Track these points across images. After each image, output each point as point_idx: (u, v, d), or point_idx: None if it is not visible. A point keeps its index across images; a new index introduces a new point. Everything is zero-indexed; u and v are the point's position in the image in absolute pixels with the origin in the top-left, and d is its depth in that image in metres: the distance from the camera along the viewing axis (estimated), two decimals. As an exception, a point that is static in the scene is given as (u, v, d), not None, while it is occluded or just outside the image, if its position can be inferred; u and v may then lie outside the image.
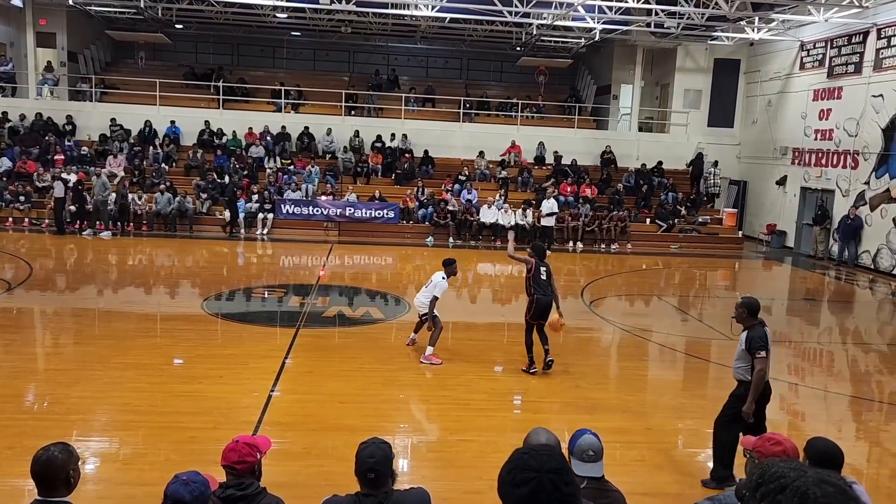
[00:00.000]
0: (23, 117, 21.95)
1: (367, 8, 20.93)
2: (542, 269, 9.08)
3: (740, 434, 5.40)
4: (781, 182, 22.01)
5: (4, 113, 21.89)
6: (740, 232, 22.39)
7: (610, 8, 19.52)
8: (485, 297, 14.71)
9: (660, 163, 23.33)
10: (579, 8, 19.20)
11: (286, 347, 9.36)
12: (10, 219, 18.60)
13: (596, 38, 23.13)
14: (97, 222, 18.38)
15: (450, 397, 7.84)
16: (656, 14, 19.88)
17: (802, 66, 21.30)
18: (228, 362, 8.66)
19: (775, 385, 9.35)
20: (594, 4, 19.31)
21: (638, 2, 18.63)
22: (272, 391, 7.68)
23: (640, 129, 25.25)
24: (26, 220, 18.68)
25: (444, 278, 9.25)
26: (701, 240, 21.12)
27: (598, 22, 21.06)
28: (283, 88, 24.31)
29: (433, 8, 20.13)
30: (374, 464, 3.12)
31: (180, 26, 26.48)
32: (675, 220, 21.28)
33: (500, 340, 10.94)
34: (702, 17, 19.75)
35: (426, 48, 29.76)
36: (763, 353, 5.92)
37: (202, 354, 9.06)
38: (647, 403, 8.42)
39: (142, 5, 21.89)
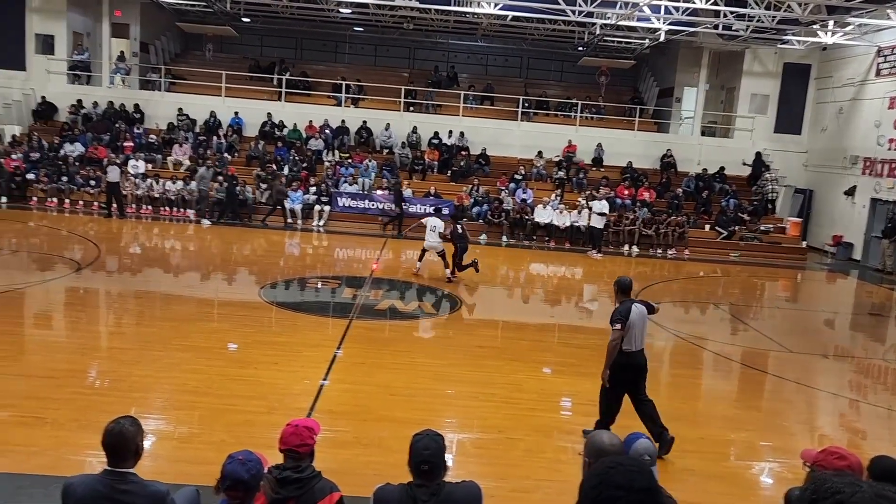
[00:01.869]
0: (96, 105, 22.78)
1: (429, 4, 21.02)
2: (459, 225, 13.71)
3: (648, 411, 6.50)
4: (850, 192, 21.23)
5: (79, 100, 22.76)
6: (804, 242, 21.71)
7: (676, 9, 19.16)
8: (536, 297, 14.63)
9: (722, 168, 22.81)
10: (645, 8, 18.91)
11: (339, 338, 9.49)
12: (81, 202, 19.37)
13: (661, 39, 22.73)
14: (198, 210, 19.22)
15: (499, 395, 7.83)
16: (725, 16, 19.42)
17: (878, 73, 20.51)
18: (283, 349, 8.84)
19: (834, 400, 9.10)
20: (660, 5, 18.98)
21: (706, 3, 18.23)
22: (324, 380, 7.81)
23: (703, 134, 24.72)
24: (95, 203, 19.38)
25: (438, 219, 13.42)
26: (762, 249, 20.55)
27: (663, 23, 20.69)
28: (343, 83, 24.63)
29: (495, 6, 20.09)
30: (429, 456, 3.15)
31: (247, 20, 27.07)
32: (736, 228, 20.77)
33: (552, 341, 10.87)
34: (772, 20, 19.19)
35: (486, 46, 29.74)
36: (618, 326, 6.44)
37: (258, 340, 9.27)
38: (700, 412, 8.26)
39: (212, -2, 22.47)
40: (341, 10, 23.89)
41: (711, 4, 18.35)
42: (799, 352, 11.04)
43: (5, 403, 6.52)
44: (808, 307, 16.28)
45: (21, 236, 15.98)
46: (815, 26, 20.52)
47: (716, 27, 20.51)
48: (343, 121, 23.20)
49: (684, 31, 21.79)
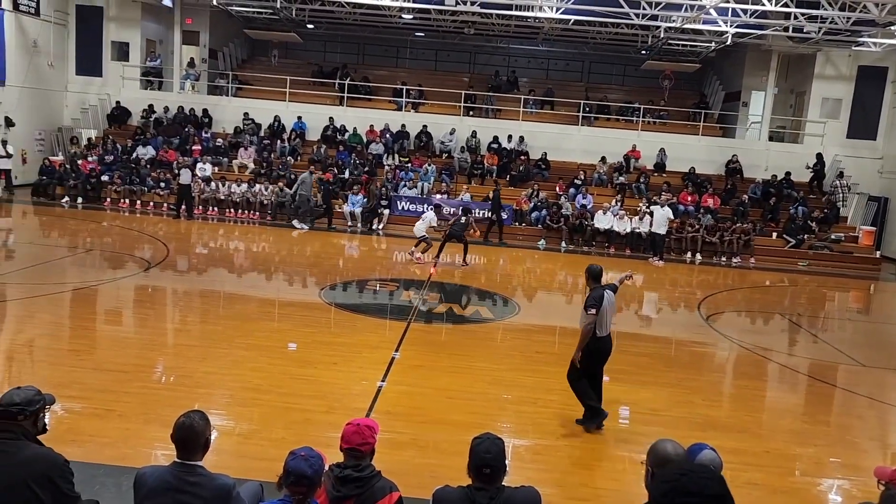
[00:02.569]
0: (166, 109, 23.59)
1: (490, 9, 21.04)
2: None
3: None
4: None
5: (151, 105, 23.62)
6: (878, 252, 20.83)
7: (745, 11, 18.68)
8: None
9: (788, 174, 22.10)
10: (711, 11, 18.50)
11: (397, 340, 9.58)
12: (151, 203, 20.08)
13: (727, 42, 22.17)
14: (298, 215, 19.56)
15: (557, 402, 7.76)
16: (795, 18, 18.84)
17: (960, 76, 19.55)
18: (342, 350, 8.96)
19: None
20: (727, 7, 18.54)
21: (776, 5, 17.72)
22: (382, 381, 7.89)
23: (771, 139, 23.99)
24: (165, 204, 20.05)
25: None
26: (833, 258, 19.79)
27: (730, 25, 20.19)
28: (404, 87, 24.85)
29: (557, 10, 19.98)
30: (490, 459, 3.15)
31: (311, 26, 27.62)
32: (806, 236, 20.07)
33: (610, 349, 10.69)
34: (847, 22, 18.51)
35: (547, 50, 29.57)
36: (593, 311, 6.73)
37: (318, 341, 9.43)
38: (765, 425, 8.02)
39: (278, 6, 23.02)
40: (403, 15, 24.14)
41: (782, 6, 17.83)
42: (872, 366, 10.60)
43: (80, 395, 6.80)
44: (881, 319, 15.64)
45: (95, 235, 16.66)
46: (892, 27, 19.69)
47: (786, 29, 19.90)
48: (403, 125, 23.42)
49: (752, 33, 21.21)
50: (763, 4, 17.72)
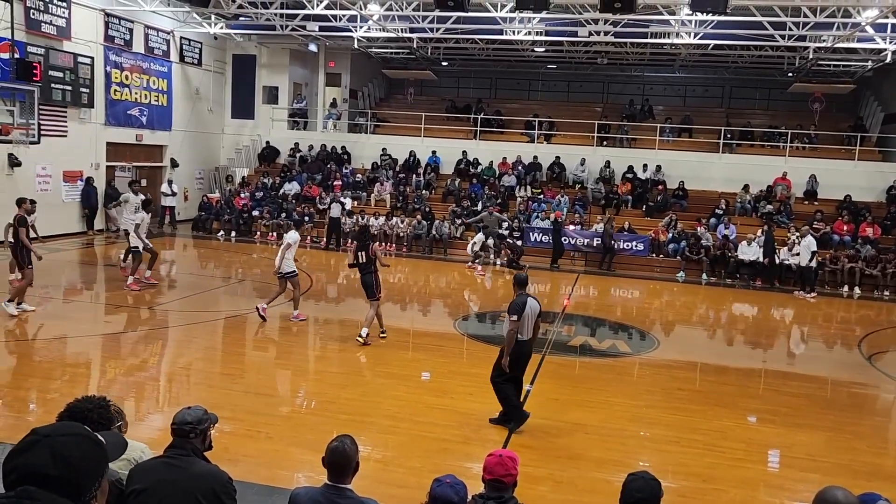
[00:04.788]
0: (311, 147, 25.02)
1: (625, 38, 20.77)
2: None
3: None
4: None
5: (296, 143, 25.14)
6: None
7: (905, 25, 17.32)
8: (740, 339, 13.67)
9: (964, 200, 20.04)
10: (867, 28, 17.29)
11: (531, 373, 9.49)
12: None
13: (887, 60, 20.59)
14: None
15: (701, 442, 7.39)
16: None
17: None
18: (477, 381, 8.95)
19: None
20: (886, 23, 17.26)
21: (942, 17, 16.31)
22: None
23: (939, 162, 21.95)
24: (308, 237, 21.13)
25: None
26: None
27: (889, 42, 18.76)
28: (536, 120, 24.95)
29: (695, 35, 19.40)
30: (640, 499, 3.05)
31: (445, 63, 28.46)
32: (984, 268, 18.04)
33: (756, 387, 10.07)
34: None
35: (684, 76, 28.73)
36: (514, 317, 7.13)
37: (453, 371, 9.54)
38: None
39: (414, 45, 23.92)
40: (535, 49, 24.34)
41: (950, 18, 16.38)
42: None
43: (233, 417, 7.23)
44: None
45: (246, 267, 17.82)
46: None
47: (955, 43, 18.23)
48: (535, 157, 23.47)
49: (915, 49, 19.58)
50: (927, 17, 16.37)
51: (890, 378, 10.79)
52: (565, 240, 20.03)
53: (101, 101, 19.94)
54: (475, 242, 18.79)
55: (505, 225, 20.14)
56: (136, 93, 21.30)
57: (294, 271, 11.56)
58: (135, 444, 3.48)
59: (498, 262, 19.21)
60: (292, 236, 11.60)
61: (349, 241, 20.65)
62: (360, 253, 10.50)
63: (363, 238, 10.71)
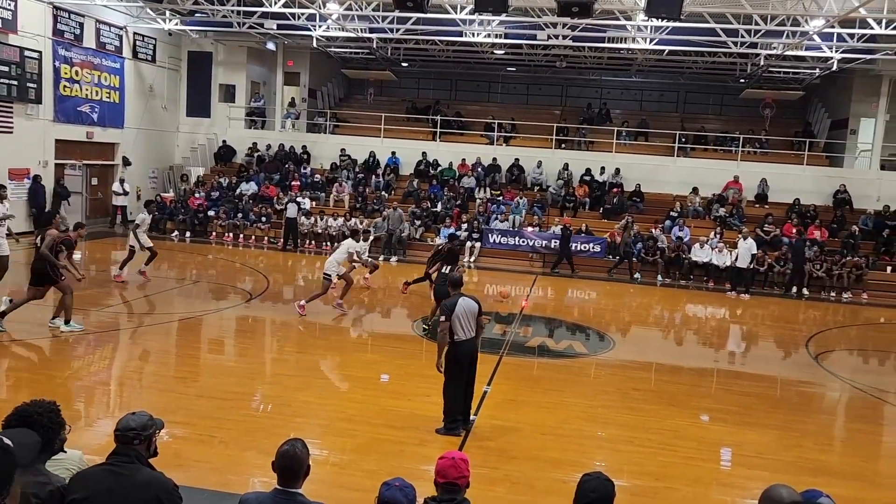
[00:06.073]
0: (268, 147, 24.70)
1: (583, 42, 21.00)
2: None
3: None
4: None
5: (254, 143, 24.80)
6: None
7: (851, 35, 17.85)
8: (692, 340, 13.93)
9: (904, 204, 20.74)
10: (815, 37, 17.79)
11: (489, 374, 9.51)
12: (253, 236, 20.97)
13: (833, 68, 21.21)
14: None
15: (655, 441, 7.49)
16: (908, 40, 17.84)
17: None
18: (435, 382, 8.93)
19: None
20: (833, 32, 17.77)
21: (886, 28, 16.85)
22: (474, 415, 7.83)
23: (883, 167, 22.69)
24: (266, 238, 20.88)
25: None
26: (957, 294, 18.35)
27: (836, 51, 19.33)
28: (495, 122, 25.07)
29: (651, 41, 19.71)
30: (595, 499, 3.07)
31: (405, 64, 28.41)
32: (925, 270, 18.73)
33: (709, 387, 10.27)
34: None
35: (641, 81, 29.20)
36: (443, 318, 7.13)
37: (411, 373, 9.51)
38: (884, 473, 7.47)
39: (374, 46, 23.81)
40: (495, 51, 24.46)
41: (892, 29, 16.93)
42: None
43: (185, 421, 7.08)
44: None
45: (201, 268, 17.51)
46: None
47: (897, 53, 18.87)
48: (495, 159, 23.58)
49: (860, 58, 20.23)
50: (872, 28, 16.89)
51: (836, 377, 11.11)
52: (523, 241, 20.19)
53: (50, 96, 19.39)
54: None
55: (407, 225, 20.10)
56: (86, 89, 20.76)
57: (332, 274, 12.26)
58: (72, 453, 3.38)
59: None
60: (354, 245, 12.69)
61: (309, 242, 20.53)
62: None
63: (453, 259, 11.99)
